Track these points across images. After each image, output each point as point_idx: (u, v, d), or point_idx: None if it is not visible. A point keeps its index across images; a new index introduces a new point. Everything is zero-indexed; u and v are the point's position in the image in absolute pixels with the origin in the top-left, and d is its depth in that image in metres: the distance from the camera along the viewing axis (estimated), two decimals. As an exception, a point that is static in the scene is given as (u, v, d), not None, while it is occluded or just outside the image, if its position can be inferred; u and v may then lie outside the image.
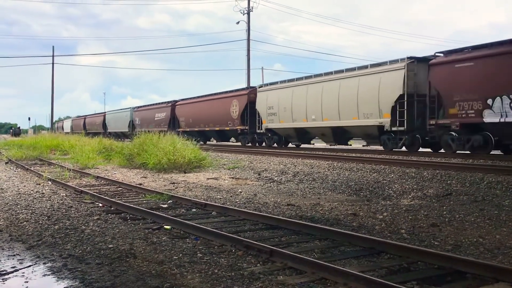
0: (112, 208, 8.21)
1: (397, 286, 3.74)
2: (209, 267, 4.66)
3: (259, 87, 26.43)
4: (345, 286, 4.03)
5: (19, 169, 16.67)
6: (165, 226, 6.55)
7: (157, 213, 7.39)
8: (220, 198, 9.43)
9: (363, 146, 23.55)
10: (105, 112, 58.21)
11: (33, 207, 8.36)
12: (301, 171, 13.43)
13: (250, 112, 26.28)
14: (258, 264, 4.76)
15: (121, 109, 48.77)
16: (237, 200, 9.16)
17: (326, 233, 5.92)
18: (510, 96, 13.61)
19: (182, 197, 9.19)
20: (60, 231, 6.37)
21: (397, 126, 17.19)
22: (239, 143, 29.44)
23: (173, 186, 11.56)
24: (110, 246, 5.52)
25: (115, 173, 14.85)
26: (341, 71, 20.39)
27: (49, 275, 4.47)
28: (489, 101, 14.13)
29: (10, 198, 9.47)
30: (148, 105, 42.58)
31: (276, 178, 12.66)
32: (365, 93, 18.55)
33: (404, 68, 16.93)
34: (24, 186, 11.51)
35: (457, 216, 7.24)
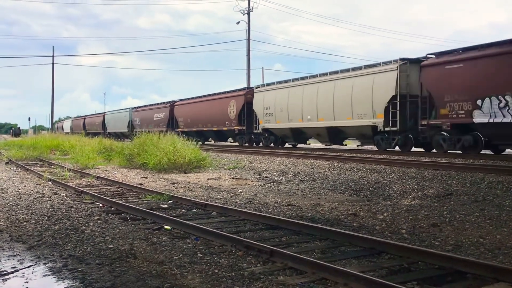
0: (113, 209, 8.20)
1: (397, 286, 3.73)
2: (210, 267, 4.66)
3: (256, 88, 26.77)
4: (345, 286, 4.02)
5: (19, 170, 16.67)
6: (166, 227, 6.54)
7: (157, 213, 7.38)
8: (221, 198, 9.43)
9: (357, 146, 23.79)
10: (105, 112, 58.31)
11: (33, 207, 8.35)
12: (301, 171, 13.43)
13: (247, 113, 26.59)
14: (259, 264, 4.75)
15: (120, 110, 48.87)
16: (238, 201, 9.16)
17: (327, 233, 5.91)
18: (499, 97, 13.87)
19: (183, 197, 9.18)
20: (60, 231, 6.37)
21: (390, 126, 17.52)
22: (237, 143, 29.63)
23: (173, 186, 11.55)
24: (110, 246, 5.52)
25: (115, 173, 14.85)
26: (336, 72, 20.70)
27: (49, 275, 4.47)
28: (479, 102, 14.42)
29: (11, 198, 9.47)
30: (147, 106, 42.73)
31: (276, 178, 12.65)
32: (359, 94, 18.83)
33: (397, 69, 17.24)
34: (24, 186, 11.50)
35: (458, 216, 7.23)
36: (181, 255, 5.13)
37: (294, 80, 23.58)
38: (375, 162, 13.87)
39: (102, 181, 12.58)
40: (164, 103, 38.32)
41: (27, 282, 4.29)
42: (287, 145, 25.85)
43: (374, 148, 19.51)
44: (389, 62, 17.89)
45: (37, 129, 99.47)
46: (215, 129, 29.68)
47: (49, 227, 6.65)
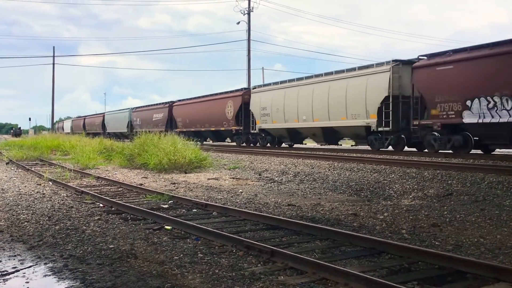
0: (113, 209, 8.21)
1: (397, 286, 3.74)
2: (210, 267, 4.66)
3: (253, 89, 27.15)
4: (345, 286, 4.03)
5: (20, 170, 16.68)
6: (166, 227, 6.55)
7: (157, 213, 7.39)
8: (221, 199, 9.43)
9: (352, 146, 23.98)
10: (104, 112, 58.39)
11: (34, 207, 8.36)
12: (301, 171, 13.44)
13: (244, 113, 26.84)
14: (259, 264, 4.76)
15: (120, 110, 48.98)
16: (238, 201, 9.16)
17: (327, 233, 5.92)
18: (488, 97, 14.14)
19: (183, 197, 9.19)
20: (61, 231, 6.37)
21: (383, 126, 17.81)
22: (235, 143, 29.83)
23: (174, 186, 11.56)
24: (111, 246, 5.53)
25: (115, 174, 14.85)
26: (331, 73, 21.02)
27: (50, 275, 4.48)
28: (468, 103, 14.71)
29: (11, 198, 9.48)
30: (146, 106, 42.91)
31: (276, 179, 12.66)
32: (353, 95, 19.11)
33: (389, 70, 17.53)
34: (25, 186, 11.51)
35: (458, 216, 7.23)
36: (181, 255, 5.13)
37: (290, 81, 23.97)
38: (376, 162, 13.88)
39: (103, 181, 12.59)
40: (163, 103, 38.55)
41: (27, 282, 4.30)
42: (284, 145, 26.08)
43: (368, 148, 19.75)
44: (382, 64, 18.20)
45: (38, 129, 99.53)
46: (213, 129, 29.89)
47: (50, 227, 6.65)
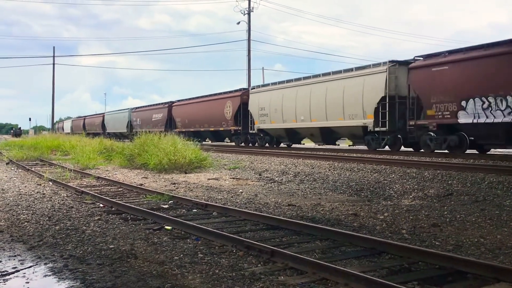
0: (113, 209, 8.21)
1: (398, 287, 3.73)
2: (210, 267, 4.66)
3: (252, 89, 27.33)
4: (346, 286, 4.03)
5: (20, 170, 16.68)
6: (166, 227, 6.55)
7: (158, 213, 7.38)
8: (221, 199, 9.43)
9: (349, 146, 24.07)
10: (104, 112, 58.42)
11: (34, 207, 8.36)
12: (302, 171, 13.43)
13: (243, 113, 26.99)
14: (259, 265, 4.75)
15: (120, 110, 49.03)
16: (238, 201, 9.16)
17: (327, 234, 5.91)
18: (482, 98, 14.26)
19: (183, 197, 9.19)
20: (61, 231, 6.37)
21: (380, 126, 17.95)
22: (234, 143, 29.96)
23: (174, 186, 11.56)
24: (111, 246, 5.52)
25: (115, 174, 14.85)
26: (328, 74, 21.17)
27: (50, 275, 4.48)
28: (463, 103, 14.86)
29: (11, 198, 9.48)
30: (145, 106, 43.07)
31: (277, 179, 12.66)
32: (350, 95, 19.24)
33: (386, 71, 17.62)
34: (25, 186, 11.51)
35: (458, 216, 7.23)
36: (181, 255, 5.13)
37: (288, 81, 24.13)
38: (376, 162, 13.88)
39: (103, 182, 12.59)
40: (162, 103, 38.70)
41: (27, 283, 4.30)
42: (282, 145, 26.16)
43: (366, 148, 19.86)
44: (378, 64, 18.29)
45: (38, 129, 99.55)
46: (212, 129, 30.01)
47: (50, 227, 6.65)
